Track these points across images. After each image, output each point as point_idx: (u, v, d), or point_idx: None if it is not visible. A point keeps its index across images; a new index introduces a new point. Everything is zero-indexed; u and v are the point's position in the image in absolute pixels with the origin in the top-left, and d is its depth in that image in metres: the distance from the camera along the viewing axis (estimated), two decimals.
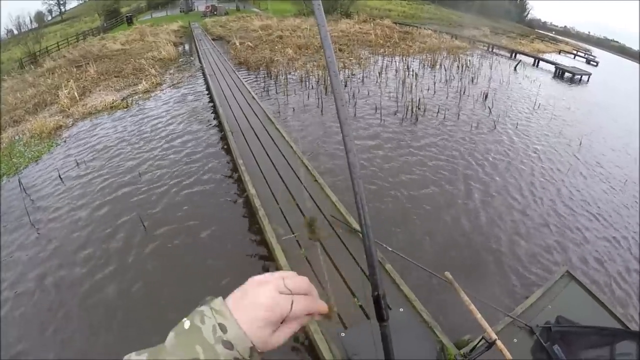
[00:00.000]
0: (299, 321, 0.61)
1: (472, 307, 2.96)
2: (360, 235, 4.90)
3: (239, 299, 0.56)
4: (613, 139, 11.70)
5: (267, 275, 0.60)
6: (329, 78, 0.72)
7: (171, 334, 0.52)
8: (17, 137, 10.98)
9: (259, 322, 0.54)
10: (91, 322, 4.60)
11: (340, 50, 21.25)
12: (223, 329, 0.52)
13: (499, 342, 2.72)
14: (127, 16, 42.85)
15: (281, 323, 0.58)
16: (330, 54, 0.74)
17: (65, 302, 4.94)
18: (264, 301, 0.56)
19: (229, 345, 0.52)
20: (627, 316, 4.10)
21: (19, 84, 19.27)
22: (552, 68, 22.16)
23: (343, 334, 3.65)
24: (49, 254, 5.84)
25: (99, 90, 15.04)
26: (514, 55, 25.71)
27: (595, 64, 28.59)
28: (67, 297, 5.01)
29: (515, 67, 21.25)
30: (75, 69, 19.35)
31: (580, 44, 53.62)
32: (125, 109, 12.53)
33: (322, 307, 0.65)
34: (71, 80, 15.58)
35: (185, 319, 0.54)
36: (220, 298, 0.56)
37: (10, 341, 4.39)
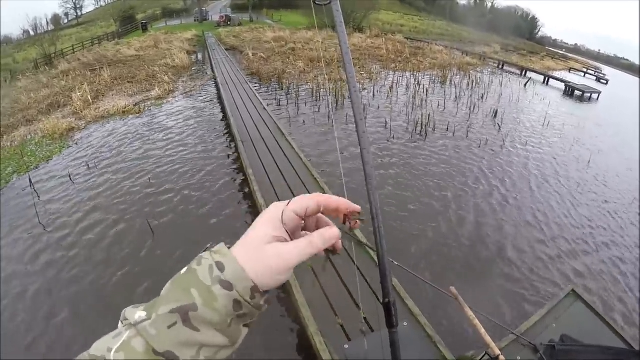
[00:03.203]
0: (311, 240, 0.54)
1: (477, 322, 2.93)
2: (367, 248, 4.93)
3: (246, 236, 0.53)
4: (622, 158, 11.68)
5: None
6: (348, 92, 0.73)
7: (168, 283, 0.49)
8: (29, 137, 11.13)
9: (259, 237, 0.51)
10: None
11: None
12: (221, 267, 0.48)
13: (502, 358, 2.70)
14: (142, 23, 43.63)
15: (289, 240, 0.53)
16: (351, 70, 0.76)
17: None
18: (268, 211, 0.54)
19: (227, 285, 0.47)
20: (632, 336, 4.04)
21: (33, 84, 19.62)
22: (562, 86, 22.20)
23: (347, 346, 3.62)
24: (57, 254, 5.86)
25: (112, 95, 15.25)
26: (524, 72, 25.82)
27: (605, 82, 28.67)
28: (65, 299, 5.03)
29: (525, 85, 21.29)
30: (89, 73, 19.65)
31: (591, 61, 53.79)
32: (137, 114, 12.65)
33: (342, 203, 0.59)
34: (85, 84, 15.75)
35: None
36: (222, 243, 0.52)
37: None
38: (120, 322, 0.48)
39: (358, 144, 0.73)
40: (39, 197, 7.58)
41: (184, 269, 0.49)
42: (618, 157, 11.67)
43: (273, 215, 0.53)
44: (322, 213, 0.59)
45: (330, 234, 0.55)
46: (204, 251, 0.51)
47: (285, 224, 0.53)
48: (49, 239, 6.26)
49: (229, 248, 0.51)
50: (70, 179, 8.20)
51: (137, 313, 0.46)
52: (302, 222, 0.58)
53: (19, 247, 6.10)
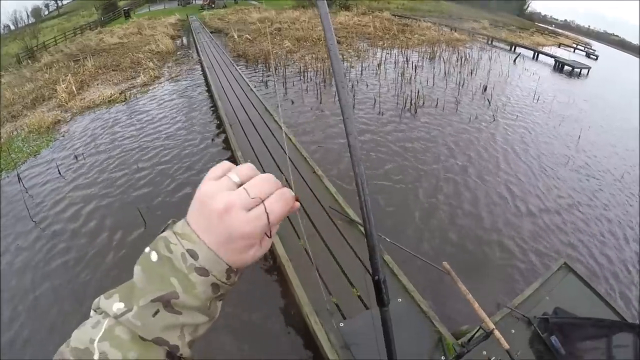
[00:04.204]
0: (276, 227, 0.53)
1: (470, 297, 2.96)
2: (359, 226, 4.95)
3: (201, 219, 0.48)
4: (612, 132, 11.64)
5: (221, 183, 0.50)
6: (329, 61, 0.71)
7: (137, 269, 0.47)
8: (15, 133, 10.92)
9: (237, 248, 0.48)
10: None
11: (338, 42, 21.15)
12: (194, 255, 0.46)
13: (496, 332, 2.72)
14: (124, 10, 42.57)
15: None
16: (331, 36, 0.74)
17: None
18: (240, 230, 0.47)
19: (203, 271, 0.46)
20: (624, 308, 4.11)
21: (16, 79, 19.14)
22: (551, 61, 22.05)
23: (342, 324, 3.67)
24: (49, 249, 5.85)
25: (97, 84, 14.99)
26: (513, 48, 25.61)
27: (595, 57, 28.48)
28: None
29: (514, 60, 21.14)
30: (73, 63, 19.19)
31: (580, 37, 53.36)
32: (123, 103, 12.50)
33: (292, 199, 0.54)
34: (69, 75, 15.43)
35: (147, 248, 0.48)
36: (182, 220, 0.49)
37: None
38: (92, 311, 0.48)
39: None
40: (28, 193, 7.49)
41: (154, 255, 0.47)
42: (607, 132, 11.61)
43: (252, 231, 0.48)
44: None
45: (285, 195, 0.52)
46: (164, 229, 0.50)
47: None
48: (41, 235, 6.21)
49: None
50: (59, 172, 8.12)
51: (114, 304, 0.45)
52: None
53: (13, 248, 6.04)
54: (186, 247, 0.47)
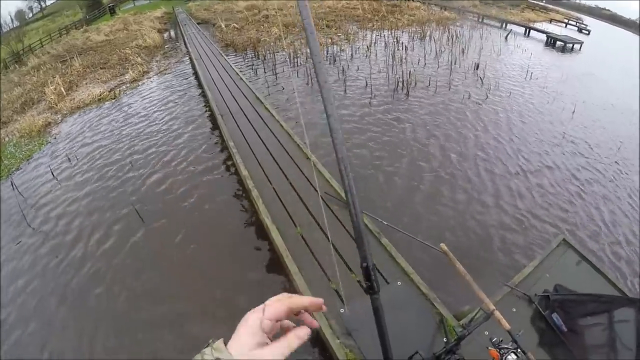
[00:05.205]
0: (289, 343, 0.62)
1: (469, 277, 2.92)
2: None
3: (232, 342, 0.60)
4: (606, 106, 11.45)
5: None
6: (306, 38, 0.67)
7: None
8: (6, 139, 10.82)
9: (246, 346, 0.58)
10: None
11: (327, 26, 20.89)
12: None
13: (496, 313, 2.70)
14: (109, 6, 41.94)
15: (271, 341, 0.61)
16: (307, 14, 0.69)
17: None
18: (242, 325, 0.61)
19: None
20: (624, 283, 4.11)
21: (4, 84, 18.94)
22: (543, 37, 21.79)
23: (342, 310, 3.65)
24: (49, 255, 5.81)
25: (86, 84, 14.87)
26: (504, 25, 25.33)
27: (587, 32, 28.17)
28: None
29: (506, 37, 20.94)
30: (60, 64, 18.99)
31: (572, 12, 52.78)
32: (113, 100, 12.39)
33: (307, 302, 0.66)
34: (57, 76, 15.33)
35: None
36: (221, 339, 0.60)
37: None
38: None
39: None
40: (26, 202, 7.37)
41: None
42: (601, 107, 11.36)
43: (253, 325, 0.60)
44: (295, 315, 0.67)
45: (303, 333, 0.64)
46: (206, 346, 0.59)
47: (266, 333, 0.60)
48: (40, 241, 6.14)
49: (225, 344, 0.59)
50: (53, 174, 8.05)
51: None
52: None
53: (16, 255, 5.98)
54: (215, 355, 0.56)
